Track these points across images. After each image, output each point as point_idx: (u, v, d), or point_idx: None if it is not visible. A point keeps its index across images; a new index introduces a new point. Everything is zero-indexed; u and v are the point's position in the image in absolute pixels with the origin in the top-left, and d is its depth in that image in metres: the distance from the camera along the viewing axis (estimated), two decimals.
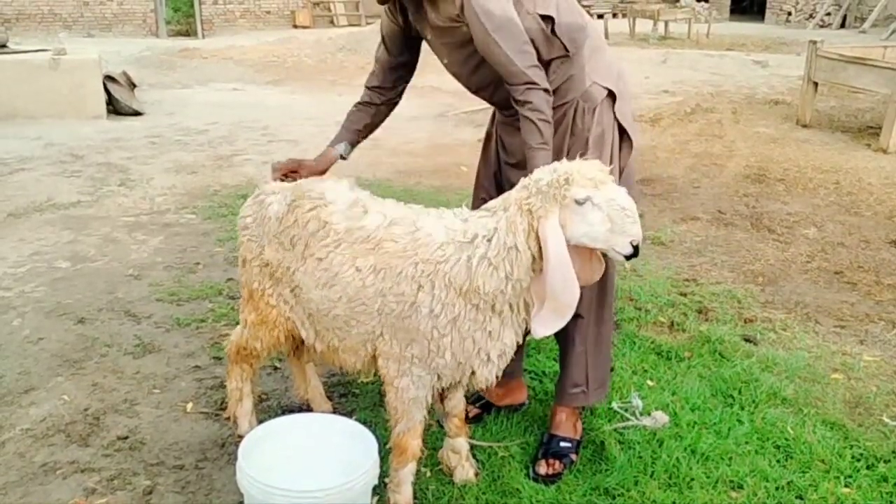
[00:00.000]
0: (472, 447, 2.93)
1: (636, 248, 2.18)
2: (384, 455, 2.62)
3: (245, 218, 2.77)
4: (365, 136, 2.91)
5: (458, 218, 2.41)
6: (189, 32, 16.80)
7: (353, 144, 2.87)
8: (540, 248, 2.22)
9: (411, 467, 2.60)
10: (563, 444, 2.90)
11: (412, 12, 2.61)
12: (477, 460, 2.90)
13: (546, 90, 2.46)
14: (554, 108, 2.54)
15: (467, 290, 2.29)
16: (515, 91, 2.45)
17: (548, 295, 2.22)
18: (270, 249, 2.64)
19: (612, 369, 3.24)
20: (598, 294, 2.80)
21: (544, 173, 2.24)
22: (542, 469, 2.82)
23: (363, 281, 2.40)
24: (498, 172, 2.91)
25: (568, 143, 2.67)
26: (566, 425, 2.96)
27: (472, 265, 2.28)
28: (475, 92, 2.77)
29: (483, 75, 2.62)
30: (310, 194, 2.59)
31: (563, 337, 2.90)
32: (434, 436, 3.04)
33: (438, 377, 2.48)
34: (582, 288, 2.32)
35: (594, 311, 2.84)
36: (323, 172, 2.81)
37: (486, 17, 2.36)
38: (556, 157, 2.49)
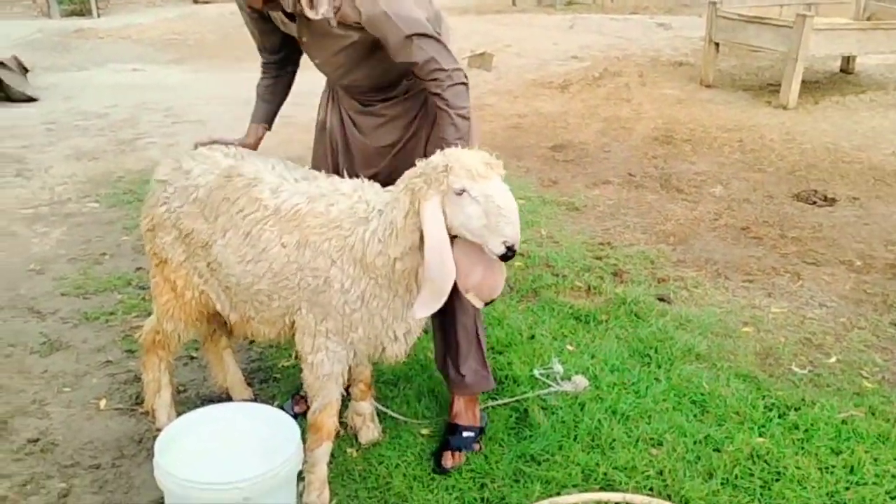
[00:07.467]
0: (379, 412, 3.00)
1: (510, 249, 2.13)
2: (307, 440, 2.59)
3: (163, 184, 2.66)
4: (280, 105, 2.91)
5: (369, 191, 2.43)
6: (83, 12, 16.01)
7: (274, 115, 2.89)
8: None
9: (326, 446, 2.60)
10: (465, 433, 2.89)
11: (284, 18, 2.53)
12: (402, 439, 2.91)
13: (463, 83, 2.46)
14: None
15: (365, 265, 2.32)
16: (431, 86, 2.45)
17: (426, 276, 2.22)
18: (189, 220, 2.57)
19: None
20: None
21: (435, 157, 2.24)
22: (448, 462, 2.79)
23: (287, 257, 2.41)
24: (339, 164, 2.84)
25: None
26: (466, 414, 2.94)
27: (365, 239, 2.31)
28: (346, 85, 2.72)
29: (363, 72, 2.60)
30: (242, 170, 2.53)
31: (447, 327, 2.88)
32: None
33: (354, 353, 2.52)
34: (488, 304, 2.38)
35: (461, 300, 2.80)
36: (254, 148, 2.81)
37: (404, 22, 2.36)
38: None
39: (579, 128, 7.47)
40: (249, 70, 10.24)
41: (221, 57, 11.65)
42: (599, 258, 4.52)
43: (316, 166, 2.91)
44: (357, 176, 2.56)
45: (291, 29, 2.56)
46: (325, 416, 2.56)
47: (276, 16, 2.55)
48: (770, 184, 5.84)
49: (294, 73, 2.90)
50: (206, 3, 17.81)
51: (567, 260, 4.46)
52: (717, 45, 8.90)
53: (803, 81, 8.04)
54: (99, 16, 15.85)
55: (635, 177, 6.03)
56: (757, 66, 10.04)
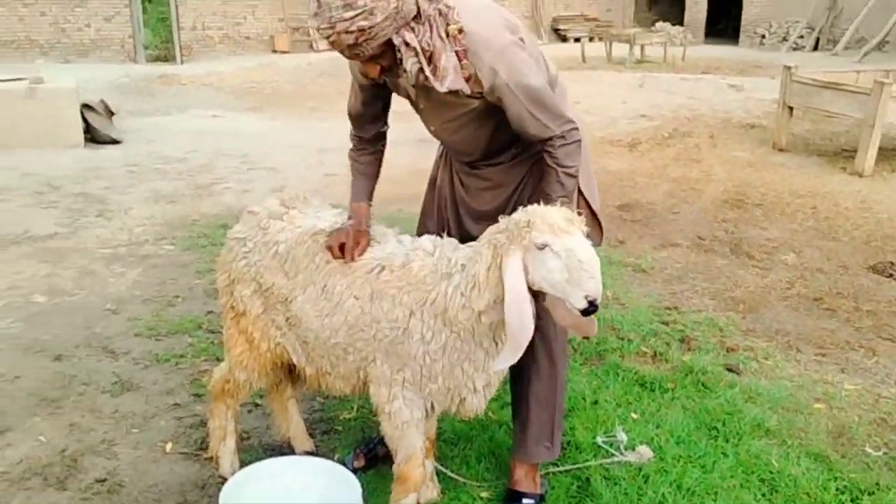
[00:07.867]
0: (438, 472, 2.96)
1: (592, 304, 2.14)
2: (368, 497, 2.59)
3: (242, 240, 2.73)
4: (377, 179, 2.86)
5: (448, 248, 2.48)
6: (167, 58, 16.76)
7: (374, 189, 2.83)
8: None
9: (412, 498, 2.61)
10: (525, 501, 2.85)
11: (406, 84, 2.51)
12: (461, 501, 2.89)
13: (577, 142, 2.50)
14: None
15: (447, 318, 2.35)
16: (544, 145, 2.49)
17: (507, 331, 2.25)
18: (269, 274, 2.64)
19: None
20: (545, 350, 2.76)
21: (517, 213, 2.29)
22: None
23: (361, 308, 2.46)
24: (446, 220, 2.87)
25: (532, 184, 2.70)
26: (527, 480, 2.90)
27: (448, 293, 2.35)
28: (458, 150, 2.75)
29: (476, 137, 2.62)
30: (324, 229, 2.61)
31: (520, 392, 2.89)
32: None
33: (432, 405, 2.52)
34: (586, 338, 2.39)
35: (546, 367, 2.80)
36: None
37: (523, 92, 2.37)
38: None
39: (648, 187, 7.43)
40: (323, 120, 10.59)
41: (297, 106, 11.99)
42: (666, 323, 4.46)
43: (423, 220, 2.97)
44: (465, 235, 2.62)
45: (410, 93, 2.55)
46: (411, 467, 2.57)
47: (398, 82, 2.53)
48: (844, 253, 5.70)
49: (385, 147, 2.87)
50: (284, 53, 18.44)
51: (633, 323, 4.41)
52: (790, 109, 8.80)
53: (880, 148, 7.88)
54: (182, 62, 16.54)
55: (704, 240, 5.96)
56: (831, 130, 9.88)
